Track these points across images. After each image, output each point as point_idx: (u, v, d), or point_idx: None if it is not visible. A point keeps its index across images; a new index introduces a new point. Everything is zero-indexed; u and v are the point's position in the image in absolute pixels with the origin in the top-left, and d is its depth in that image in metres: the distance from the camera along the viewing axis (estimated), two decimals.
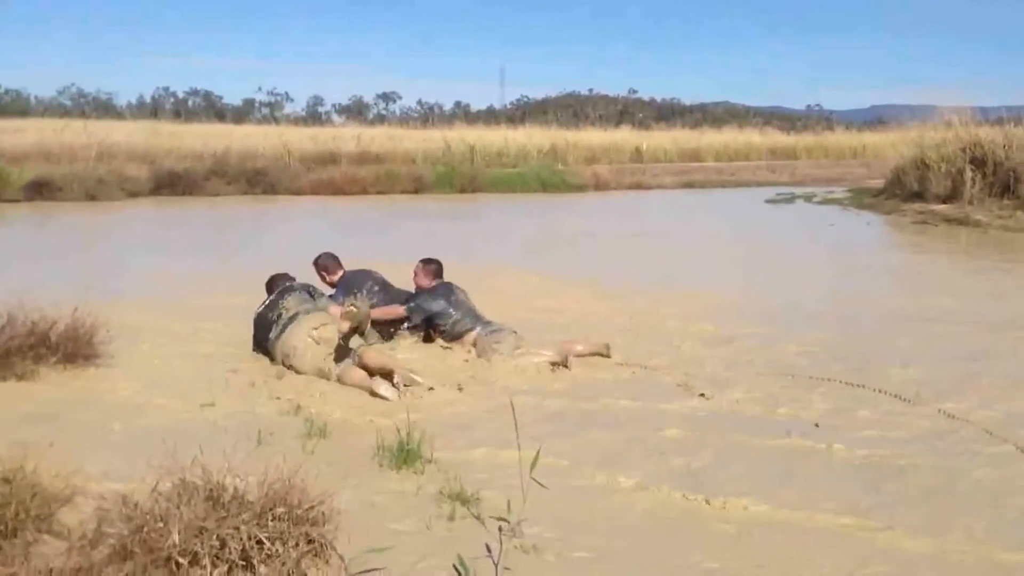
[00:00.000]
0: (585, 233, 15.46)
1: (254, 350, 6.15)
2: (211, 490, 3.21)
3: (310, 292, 6.26)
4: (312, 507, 3.21)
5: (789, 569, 3.30)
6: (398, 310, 6.60)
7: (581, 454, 4.41)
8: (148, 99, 72.07)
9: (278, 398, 5.24)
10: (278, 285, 6.33)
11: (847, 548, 3.47)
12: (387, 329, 6.58)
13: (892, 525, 3.66)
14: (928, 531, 3.61)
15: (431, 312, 6.51)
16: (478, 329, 6.39)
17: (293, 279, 6.50)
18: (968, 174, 17.65)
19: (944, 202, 17.94)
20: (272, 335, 5.89)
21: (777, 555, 3.40)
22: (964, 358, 6.46)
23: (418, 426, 4.35)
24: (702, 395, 5.47)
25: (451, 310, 6.49)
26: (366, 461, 4.18)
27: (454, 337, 6.43)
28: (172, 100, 74.42)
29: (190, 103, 75.00)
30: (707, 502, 3.85)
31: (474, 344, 6.32)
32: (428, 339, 6.58)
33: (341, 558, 3.08)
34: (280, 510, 3.12)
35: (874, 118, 53.81)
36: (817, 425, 4.93)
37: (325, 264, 6.99)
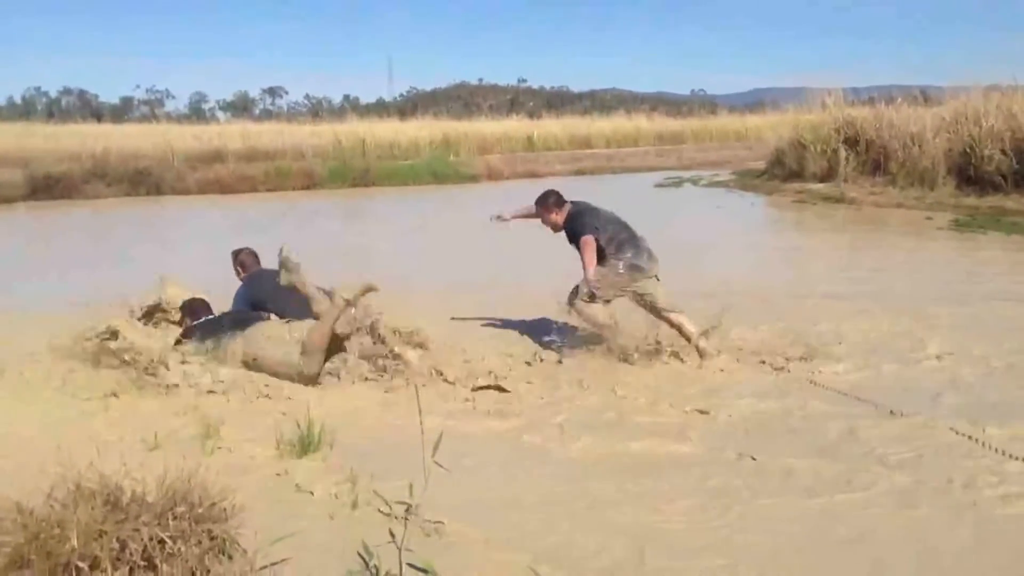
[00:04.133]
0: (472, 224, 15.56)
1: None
2: (108, 494, 3.18)
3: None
4: (213, 504, 3.21)
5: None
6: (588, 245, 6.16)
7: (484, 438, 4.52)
8: (19, 99, 69.01)
9: (169, 385, 5.16)
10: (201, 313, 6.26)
11: None
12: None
13: None
14: None
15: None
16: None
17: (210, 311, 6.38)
18: (842, 153, 18.44)
19: (821, 181, 18.73)
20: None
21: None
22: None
23: (319, 416, 4.38)
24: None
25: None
26: (267, 455, 4.20)
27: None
28: (44, 100, 71.43)
29: (64, 103, 72.14)
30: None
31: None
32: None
33: (245, 552, 3.10)
34: (180, 509, 3.12)
35: (755, 102, 55.40)
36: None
37: (244, 261, 6.74)
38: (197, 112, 70.83)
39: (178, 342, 5.91)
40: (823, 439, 4.52)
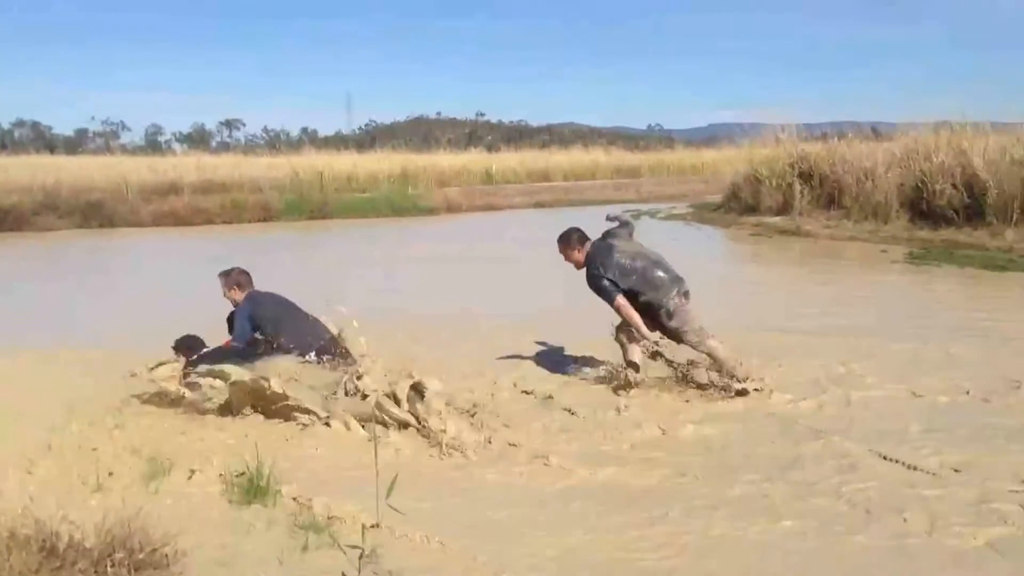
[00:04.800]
0: (436, 259, 15.48)
1: None
2: (44, 540, 3.03)
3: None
4: (154, 550, 3.07)
5: None
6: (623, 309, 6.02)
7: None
8: None
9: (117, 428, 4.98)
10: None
11: None
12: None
13: None
14: None
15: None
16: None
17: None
18: (797, 187, 18.68)
19: (777, 214, 18.93)
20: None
21: None
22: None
23: (271, 453, 4.24)
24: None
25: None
26: (214, 498, 4.03)
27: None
28: None
29: (16, 134, 71.09)
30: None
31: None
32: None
33: None
34: (119, 555, 2.98)
35: (711, 136, 56.25)
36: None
37: (239, 280, 6.40)
38: (153, 144, 70.24)
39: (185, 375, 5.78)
40: (773, 467, 4.56)
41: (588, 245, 6.21)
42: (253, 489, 4.01)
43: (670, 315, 6.02)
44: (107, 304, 10.95)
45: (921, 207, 16.20)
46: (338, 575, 3.04)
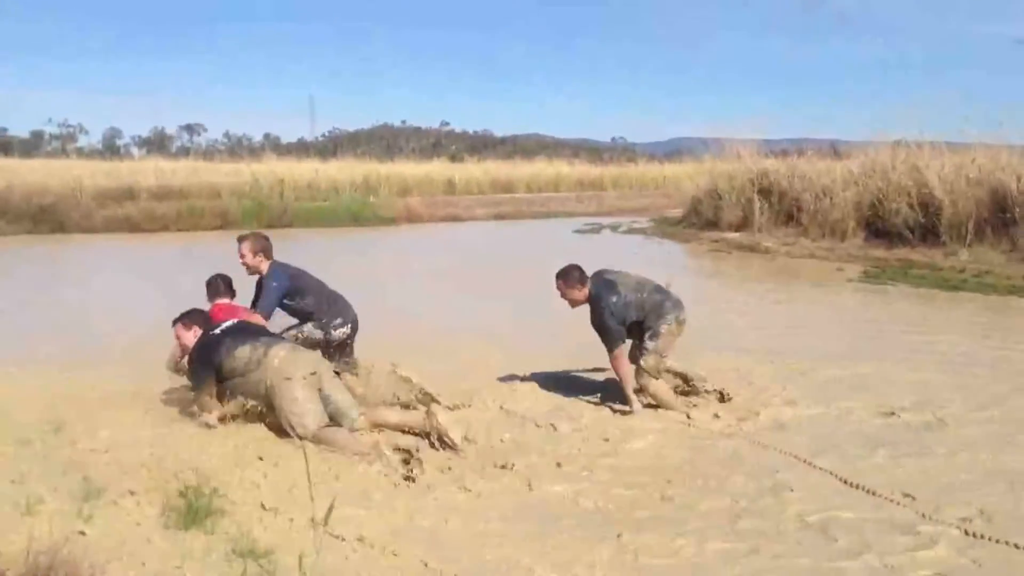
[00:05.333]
0: (394, 272, 15.35)
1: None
2: None
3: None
4: None
5: None
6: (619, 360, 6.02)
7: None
8: None
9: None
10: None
11: None
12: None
13: None
14: None
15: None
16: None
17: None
18: (757, 203, 18.83)
19: (737, 230, 19.07)
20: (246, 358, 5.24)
21: None
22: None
23: (215, 475, 4.11)
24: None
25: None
26: (151, 523, 3.88)
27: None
28: None
29: None
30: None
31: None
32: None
33: None
34: None
35: (673, 150, 56.65)
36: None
37: (265, 247, 6.27)
38: (111, 148, 69.09)
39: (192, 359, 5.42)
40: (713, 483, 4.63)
41: (589, 284, 6.10)
42: (192, 513, 3.88)
43: (654, 335, 5.97)
44: (34, 315, 10.65)
45: (877, 225, 16.41)
46: None
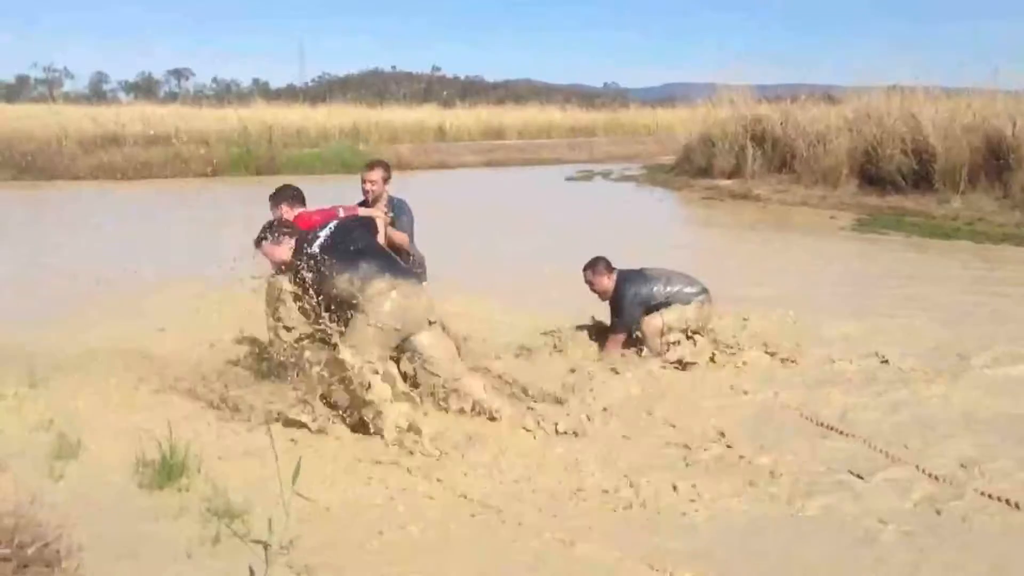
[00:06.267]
0: None
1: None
2: None
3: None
4: (46, 545, 2.85)
5: None
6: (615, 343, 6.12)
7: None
8: None
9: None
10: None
11: None
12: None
13: None
14: None
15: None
16: None
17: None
18: (750, 151, 18.62)
19: (729, 177, 18.87)
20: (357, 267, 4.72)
21: None
22: None
23: (188, 436, 4.01)
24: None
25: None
26: (124, 481, 3.80)
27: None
28: None
29: None
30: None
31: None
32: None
33: None
34: (5, 551, 2.75)
35: (667, 96, 55.98)
36: None
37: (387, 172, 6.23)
38: (98, 93, 67.93)
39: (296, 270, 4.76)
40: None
41: (616, 274, 6.21)
42: (166, 471, 3.79)
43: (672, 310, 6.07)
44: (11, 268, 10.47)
45: (871, 173, 16.23)
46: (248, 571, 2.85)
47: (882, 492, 3.94)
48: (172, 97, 59.47)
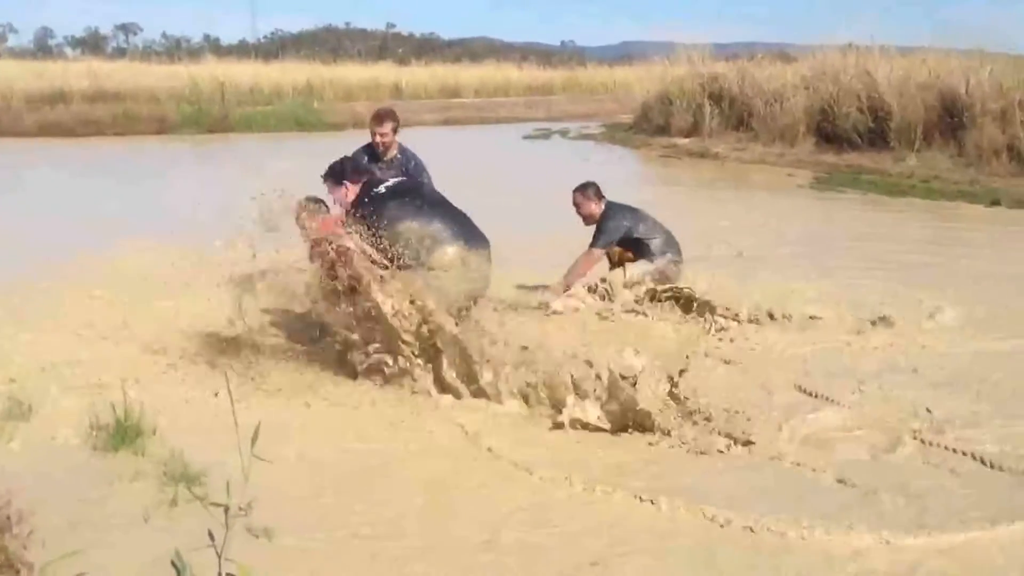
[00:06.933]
0: None
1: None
2: None
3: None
4: None
5: None
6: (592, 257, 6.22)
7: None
8: None
9: None
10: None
11: None
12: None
13: None
14: None
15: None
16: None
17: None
18: (707, 109, 18.65)
19: (687, 136, 18.92)
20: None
21: None
22: None
23: (144, 398, 3.91)
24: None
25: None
26: (76, 444, 3.70)
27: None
28: None
29: None
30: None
31: None
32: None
33: (32, 568, 2.65)
34: None
35: (624, 54, 55.79)
36: None
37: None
38: (43, 48, 66.00)
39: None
40: None
41: (605, 202, 6.34)
42: (121, 433, 3.69)
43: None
44: None
45: (827, 131, 16.36)
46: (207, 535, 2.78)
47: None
48: (120, 53, 57.95)
